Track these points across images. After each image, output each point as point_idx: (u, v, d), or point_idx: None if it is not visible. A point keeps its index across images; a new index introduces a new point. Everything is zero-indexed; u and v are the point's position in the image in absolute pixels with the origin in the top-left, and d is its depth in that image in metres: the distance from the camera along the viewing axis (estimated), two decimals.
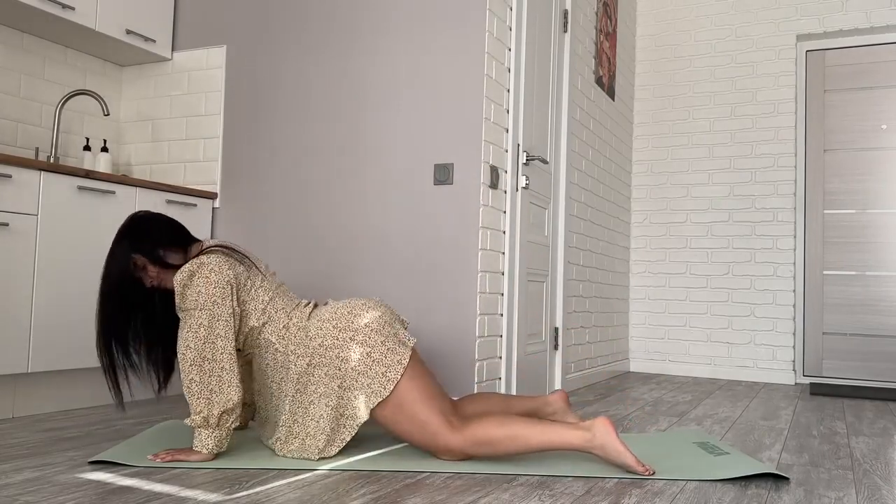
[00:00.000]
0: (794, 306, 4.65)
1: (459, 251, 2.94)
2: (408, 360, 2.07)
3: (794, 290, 4.65)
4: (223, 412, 1.99)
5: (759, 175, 4.79)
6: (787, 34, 4.78)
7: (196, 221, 3.36)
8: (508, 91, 3.15)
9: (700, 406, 3.45)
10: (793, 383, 4.58)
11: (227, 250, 2.16)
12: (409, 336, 2.17)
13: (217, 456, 2.03)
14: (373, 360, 2.06)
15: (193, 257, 2.09)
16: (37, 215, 2.69)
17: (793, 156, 4.72)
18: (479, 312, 2.91)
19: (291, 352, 2.09)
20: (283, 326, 2.11)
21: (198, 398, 1.98)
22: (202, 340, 1.99)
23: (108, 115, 3.24)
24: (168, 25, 3.60)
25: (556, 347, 3.68)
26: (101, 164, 3.40)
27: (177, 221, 2.22)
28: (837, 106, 4.66)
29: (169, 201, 3.21)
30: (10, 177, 2.58)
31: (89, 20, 3.21)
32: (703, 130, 4.97)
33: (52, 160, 3.20)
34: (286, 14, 3.38)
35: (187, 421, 1.99)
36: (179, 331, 2.02)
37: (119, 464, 1.97)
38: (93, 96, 3.26)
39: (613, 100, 4.66)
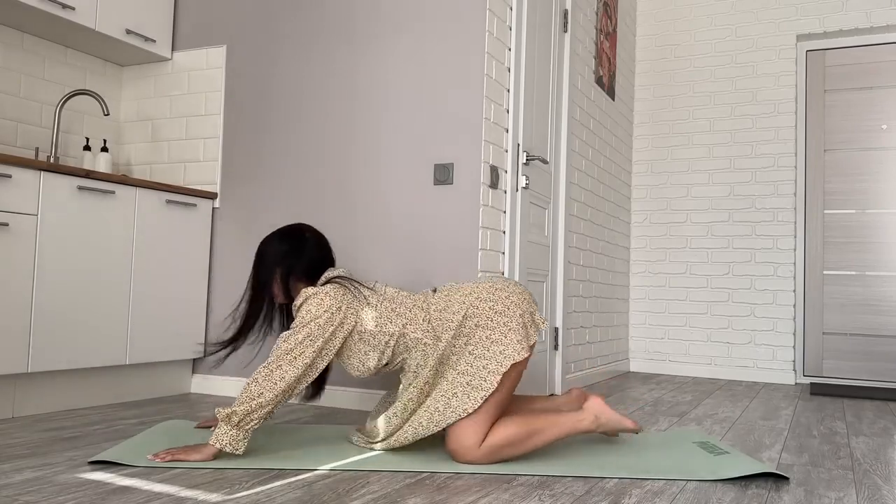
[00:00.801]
0: (794, 306, 4.65)
1: (459, 251, 2.94)
2: (535, 342, 2.16)
3: (794, 290, 4.65)
4: (249, 412, 2.00)
5: (759, 175, 4.79)
6: (787, 34, 4.78)
7: (196, 221, 3.37)
8: (508, 91, 3.15)
9: (700, 406, 3.45)
10: (793, 383, 4.58)
11: (343, 280, 2.24)
12: (543, 318, 2.25)
13: (217, 456, 2.03)
14: (509, 329, 2.12)
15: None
16: (37, 215, 2.69)
17: (793, 156, 4.72)
18: None
19: (439, 333, 2.15)
20: (424, 319, 2.18)
21: (246, 395, 2.02)
22: (287, 352, 2.06)
23: (108, 114, 3.24)
24: (168, 25, 3.60)
25: (556, 347, 3.68)
26: (101, 164, 3.40)
27: (325, 252, 2.33)
28: (837, 106, 4.66)
29: (169, 201, 3.21)
30: (10, 177, 2.58)
31: (89, 20, 3.21)
32: (703, 130, 4.97)
33: (52, 160, 3.20)
34: (286, 14, 3.38)
35: (217, 410, 2.01)
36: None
37: (119, 464, 1.97)
38: (93, 96, 3.26)
39: (613, 100, 4.66)
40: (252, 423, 2.02)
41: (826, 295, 4.61)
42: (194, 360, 3.44)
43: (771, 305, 4.70)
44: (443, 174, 2.97)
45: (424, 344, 2.17)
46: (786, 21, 4.79)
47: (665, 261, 5.01)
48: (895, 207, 4.50)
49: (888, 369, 4.44)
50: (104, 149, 3.43)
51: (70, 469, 1.92)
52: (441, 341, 2.14)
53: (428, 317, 2.18)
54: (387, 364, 2.22)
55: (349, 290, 2.20)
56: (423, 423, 2.09)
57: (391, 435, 2.17)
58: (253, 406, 2.00)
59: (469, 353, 2.11)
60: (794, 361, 4.62)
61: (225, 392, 3.35)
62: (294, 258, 2.26)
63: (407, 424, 2.12)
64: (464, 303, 2.17)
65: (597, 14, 4.34)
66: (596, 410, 2.18)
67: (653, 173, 5.09)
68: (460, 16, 3.00)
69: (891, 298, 4.46)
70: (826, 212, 4.64)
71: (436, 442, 2.36)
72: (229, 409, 2.00)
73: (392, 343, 2.17)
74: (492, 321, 2.13)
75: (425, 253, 3.00)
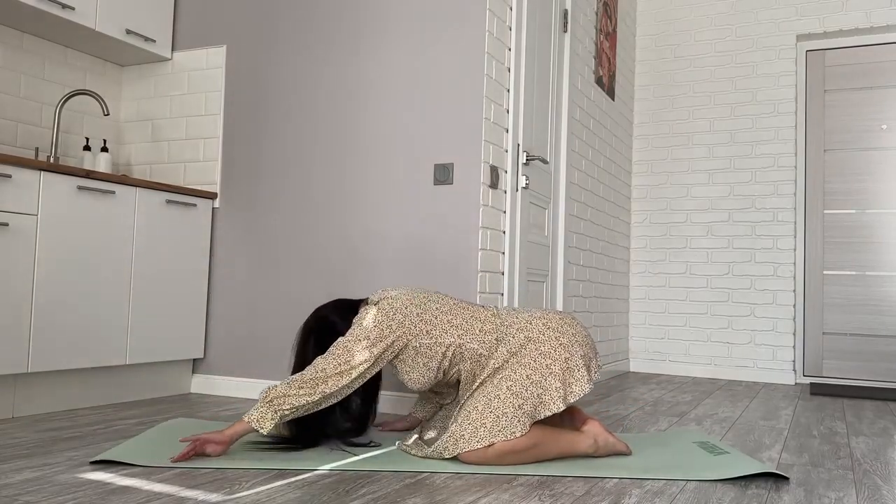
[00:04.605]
0: (794, 306, 4.65)
1: (459, 251, 2.94)
2: (590, 390, 2.18)
3: (794, 290, 4.65)
4: (286, 394, 2.01)
5: (759, 175, 4.79)
6: (787, 34, 4.78)
7: (196, 221, 3.37)
8: (508, 91, 3.15)
9: (700, 406, 3.45)
10: (793, 383, 4.58)
11: (397, 295, 2.22)
12: (599, 367, 2.26)
13: (231, 443, 2.05)
14: (569, 368, 2.14)
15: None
16: (37, 215, 2.69)
17: (793, 156, 4.72)
18: None
19: (494, 348, 2.16)
20: (480, 331, 2.18)
21: (288, 382, 2.03)
22: (334, 355, 2.07)
23: (108, 115, 3.24)
24: (168, 25, 3.60)
25: None
26: (101, 164, 3.40)
27: (346, 302, 2.34)
28: (837, 106, 4.66)
29: (169, 201, 3.21)
30: (10, 177, 2.58)
31: (89, 20, 3.21)
32: (703, 130, 4.97)
33: (52, 160, 3.20)
34: (286, 14, 3.38)
35: (262, 391, 2.03)
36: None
37: (119, 463, 1.97)
38: (93, 96, 3.26)
39: (613, 100, 4.66)
40: (284, 408, 2.01)
41: (826, 295, 4.61)
42: (194, 359, 3.44)
43: (771, 305, 4.70)
44: (443, 174, 2.97)
45: (479, 354, 2.16)
46: (786, 21, 4.79)
47: (665, 261, 5.01)
48: (895, 207, 4.50)
49: (888, 369, 4.44)
50: (104, 149, 3.43)
51: (70, 469, 1.92)
52: (491, 358, 2.15)
53: (484, 329, 2.19)
54: (444, 375, 2.21)
55: (402, 308, 2.17)
56: (466, 437, 2.06)
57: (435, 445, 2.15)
58: (290, 391, 2.01)
59: (527, 377, 2.11)
60: (794, 361, 4.62)
61: (226, 392, 3.35)
62: (329, 334, 2.24)
63: (447, 434, 2.08)
64: (529, 324, 2.19)
65: (597, 14, 4.34)
66: (595, 433, 2.19)
67: (653, 173, 5.09)
68: (460, 16, 3.00)
69: (891, 298, 4.46)
70: (826, 212, 4.64)
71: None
72: (268, 390, 2.03)
73: (449, 354, 2.16)
74: (555, 352, 2.14)
75: (425, 253, 3.00)
